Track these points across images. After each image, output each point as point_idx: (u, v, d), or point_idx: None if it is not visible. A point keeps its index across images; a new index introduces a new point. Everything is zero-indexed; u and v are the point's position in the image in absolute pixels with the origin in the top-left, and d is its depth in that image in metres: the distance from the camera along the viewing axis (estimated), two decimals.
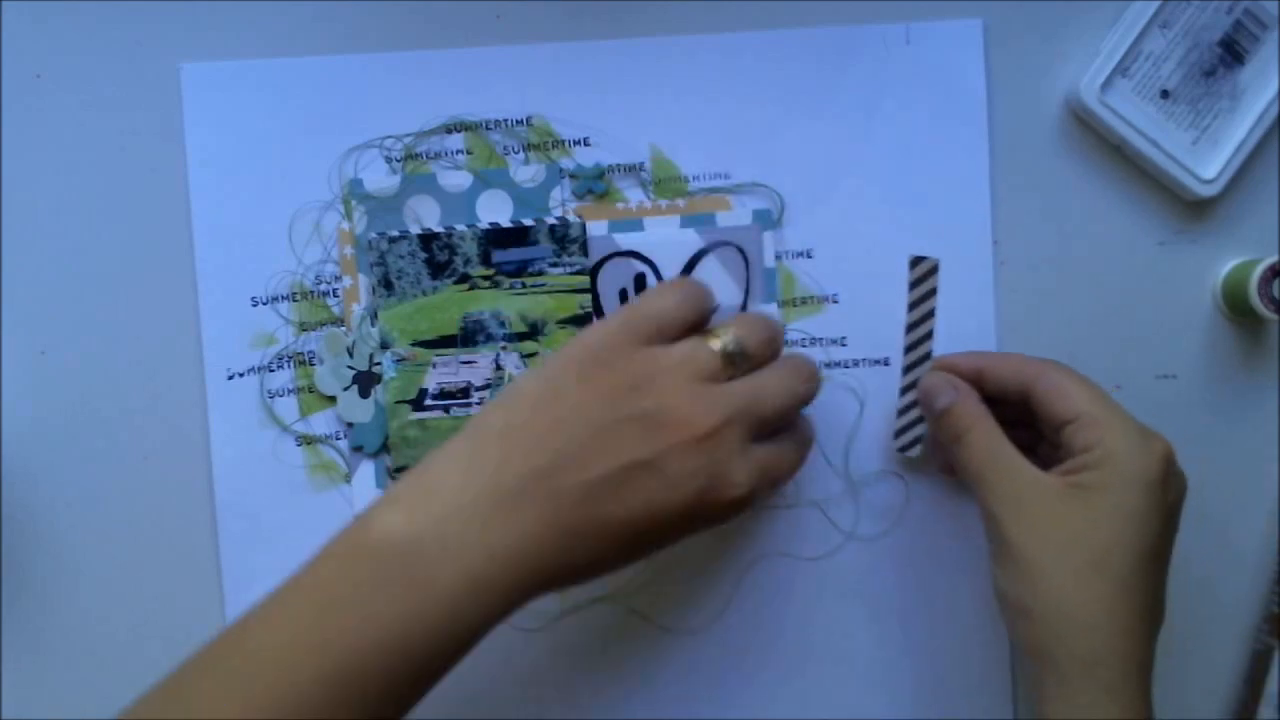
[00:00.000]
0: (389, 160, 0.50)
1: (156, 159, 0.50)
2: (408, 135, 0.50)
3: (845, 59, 0.50)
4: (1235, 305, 0.50)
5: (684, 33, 0.50)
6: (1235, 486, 0.52)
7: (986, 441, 0.44)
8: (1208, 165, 0.50)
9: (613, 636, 0.51)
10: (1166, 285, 0.51)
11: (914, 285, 0.48)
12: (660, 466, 0.39)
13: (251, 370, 0.50)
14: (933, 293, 0.48)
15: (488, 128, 0.50)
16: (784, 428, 0.44)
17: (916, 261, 0.48)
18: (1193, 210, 0.51)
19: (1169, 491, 0.43)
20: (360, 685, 0.36)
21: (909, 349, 0.48)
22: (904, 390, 0.49)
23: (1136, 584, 0.42)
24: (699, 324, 0.43)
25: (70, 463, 0.50)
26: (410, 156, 0.50)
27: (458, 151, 0.50)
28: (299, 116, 0.50)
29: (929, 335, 0.48)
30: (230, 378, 0.50)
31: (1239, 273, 0.50)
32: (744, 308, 0.50)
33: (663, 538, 0.41)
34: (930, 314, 0.48)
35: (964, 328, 0.50)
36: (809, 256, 0.51)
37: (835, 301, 0.51)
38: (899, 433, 0.49)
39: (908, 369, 0.49)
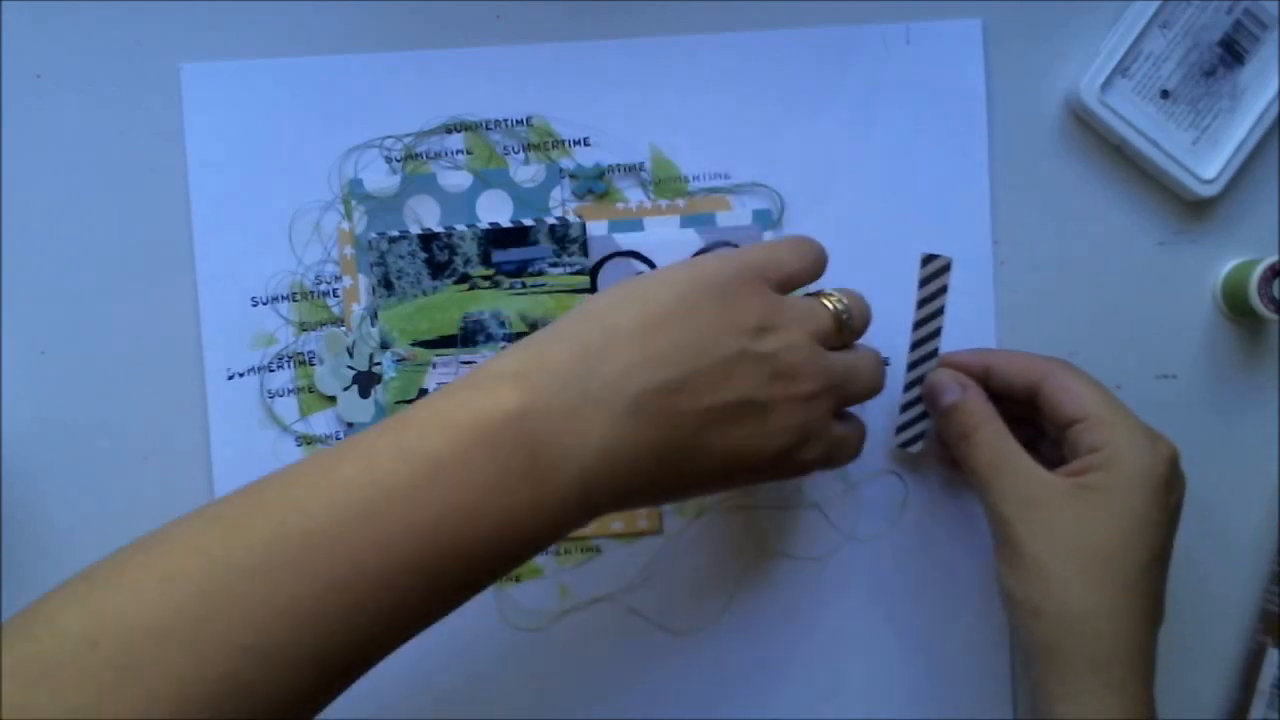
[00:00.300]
0: (389, 160, 0.50)
1: (156, 159, 0.50)
2: (408, 135, 0.50)
3: (845, 59, 0.50)
4: (1235, 305, 0.50)
5: (684, 33, 0.50)
6: (1235, 486, 0.52)
7: (994, 441, 0.45)
8: (1208, 165, 0.50)
9: (613, 636, 0.51)
10: (1166, 285, 0.51)
11: (924, 283, 0.48)
12: (769, 411, 0.39)
13: (251, 370, 0.50)
14: (943, 290, 0.48)
15: (488, 128, 0.50)
16: (848, 414, 0.44)
17: (929, 259, 0.48)
18: (1193, 210, 0.51)
19: (1173, 493, 0.43)
20: (458, 573, 0.34)
21: (915, 345, 0.48)
22: (908, 386, 0.49)
23: (1142, 585, 0.42)
24: (810, 282, 0.43)
25: (70, 463, 0.50)
26: (410, 156, 0.50)
27: (458, 151, 0.50)
28: (299, 116, 0.50)
29: (937, 333, 0.48)
30: (230, 378, 0.50)
31: (1239, 273, 0.50)
32: None
33: (732, 481, 0.41)
34: (939, 311, 0.48)
35: (964, 327, 0.50)
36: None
37: None
38: (900, 428, 0.49)
39: (913, 365, 0.48)
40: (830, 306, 0.42)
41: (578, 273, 0.50)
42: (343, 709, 0.50)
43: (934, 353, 0.48)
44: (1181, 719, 0.52)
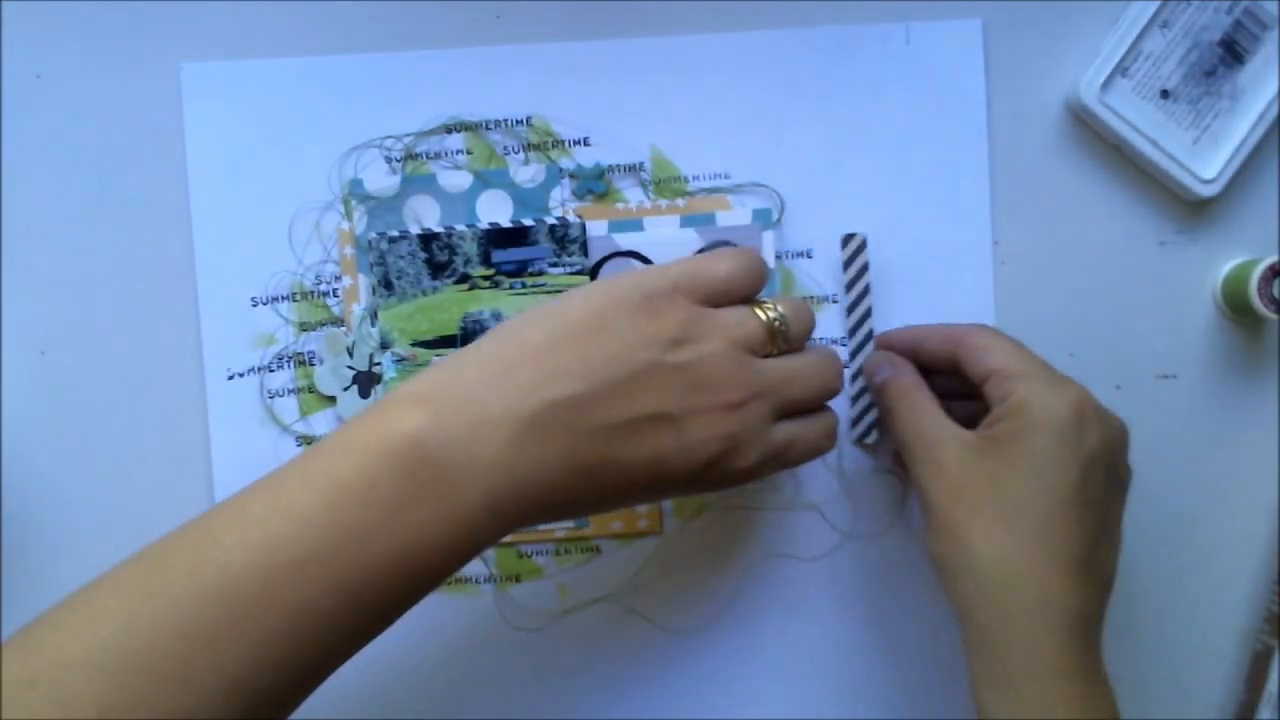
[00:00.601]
0: (389, 160, 0.50)
1: (156, 159, 0.50)
2: (408, 135, 0.50)
3: (845, 59, 0.50)
4: (1235, 305, 0.50)
5: (684, 33, 0.50)
6: (1235, 487, 0.52)
7: (915, 410, 0.45)
8: (1208, 165, 0.50)
9: (613, 636, 0.51)
10: (1166, 285, 0.51)
11: (848, 264, 0.48)
12: (682, 424, 0.39)
13: (251, 370, 0.50)
14: (865, 269, 0.49)
15: (488, 128, 0.50)
16: (807, 413, 0.43)
17: (848, 239, 0.48)
18: (1193, 210, 0.51)
19: (1086, 437, 0.42)
20: (369, 596, 0.35)
21: (852, 331, 0.49)
22: (854, 376, 0.49)
23: (1054, 533, 0.41)
24: (750, 296, 0.43)
25: (70, 463, 0.50)
26: (410, 156, 0.50)
27: (458, 151, 0.50)
28: (299, 116, 0.50)
29: (869, 314, 0.48)
30: (230, 378, 0.50)
31: (1239, 273, 0.50)
32: None
33: (662, 492, 0.41)
34: (866, 291, 0.48)
35: None
36: (809, 256, 0.50)
37: (835, 301, 0.51)
38: (855, 421, 0.49)
39: (854, 353, 0.49)
40: (763, 316, 0.41)
41: (578, 273, 0.50)
42: (343, 709, 0.50)
43: (870, 335, 0.48)
44: None
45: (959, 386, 0.45)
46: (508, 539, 0.50)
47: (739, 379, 0.40)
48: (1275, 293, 0.49)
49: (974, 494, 0.42)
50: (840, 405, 0.49)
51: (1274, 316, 0.49)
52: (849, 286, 0.48)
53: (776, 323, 0.42)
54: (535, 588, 0.51)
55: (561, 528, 0.50)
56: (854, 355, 0.49)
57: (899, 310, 0.50)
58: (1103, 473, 0.42)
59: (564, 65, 0.50)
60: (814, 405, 0.43)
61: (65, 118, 0.49)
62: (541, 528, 0.50)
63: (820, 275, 0.50)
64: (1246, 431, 0.52)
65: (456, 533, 0.36)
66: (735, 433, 0.39)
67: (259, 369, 0.50)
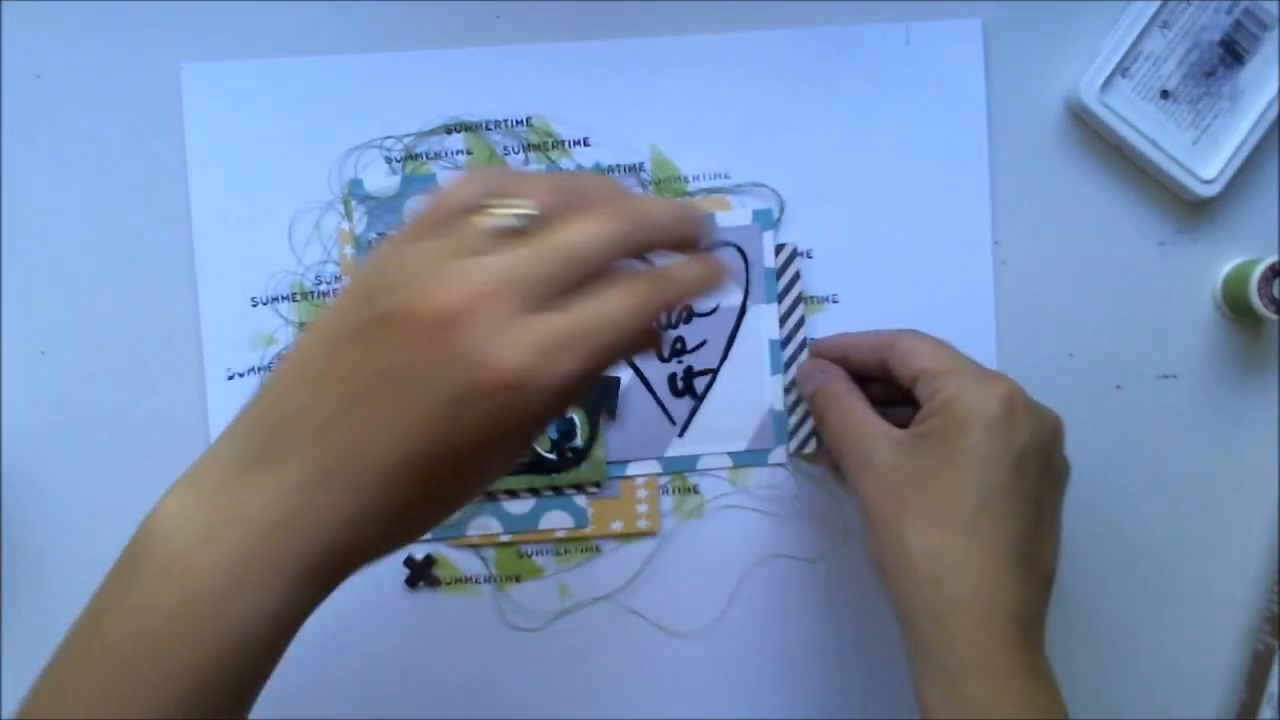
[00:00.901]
0: (389, 160, 0.50)
1: (156, 159, 0.50)
2: (408, 135, 0.50)
3: (845, 59, 0.50)
4: (1235, 305, 0.50)
5: (684, 33, 0.50)
6: (1236, 487, 0.51)
7: (844, 413, 0.44)
8: (1208, 165, 0.50)
9: (612, 636, 0.51)
10: (1166, 285, 0.51)
11: (780, 273, 0.48)
12: (405, 369, 0.31)
13: (251, 370, 0.50)
14: (797, 278, 0.49)
15: (488, 128, 0.50)
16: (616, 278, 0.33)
17: (779, 249, 0.48)
18: (1193, 210, 0.51)
19: (1016, 431, 0.41)
20: (146, 692, 0.32)
21: (785, 342, 0.49)
22: (788, 388, 0.49)
23: (988, 527, 0.40)
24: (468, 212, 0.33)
25: (70, 463, 0.50)
26: (410, 156, 0.50)
27: (458, 151, 0.50)
28: (299, 116, 0.50)
29: (801, 323, 0.49)
30: (230, 378, 0.50)
31: (1239, 273, 0.50)
32: (743, 308, 0.50)
33: (454, 468, 0.32)
34: (798, 301, 0.49)
35: (964, 328, 0.49)
36: (809, 256, 0.50)
37: (835, 301, 0.51)
38: (791, 433, 0.49)
39: (788, 364, 0.49)
40: (480, 220, 0.33)
41: None
42: (344, 709, 0.50)
43: (803, 344, 0.49)
44: None
45: (893, 393, 0.45)
46: (507, 539, 0.50)
47: (446, 287, 0.31)
48: (1275, 293, 0.49)
49: (906, 492, 0.41)
50: (770, 415, 0.49)
51: (1274, 316, 0.49)
52: (781, 296, 0.49)
53: (502, 221, 0.32)
54: (535, 588, 0.51)
55: (561, 527, 0.50)
56: (788, 366, 0.49)
57: (898, 311, 0.50)
58: (1036, 466, 0.41)
59: (564, 65, 0.50)
60: (613, 258, 0.33)
61: (65, 118, 0.49)
62: (542, 528, 0.50)
63: (820, 275, 0.50)
64: (1246, 431, 0.52)
65: (203, 614, 0.32)
66: (465, 343, 0.30)
67: (259, 369, 0.50)
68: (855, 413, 0.44)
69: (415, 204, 0.36)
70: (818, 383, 0.46)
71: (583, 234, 0.32)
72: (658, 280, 0.34)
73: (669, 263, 0.35)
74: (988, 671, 0.39)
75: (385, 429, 0.31)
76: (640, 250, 0.34)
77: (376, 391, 0.31)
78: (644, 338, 0.36)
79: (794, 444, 0.50)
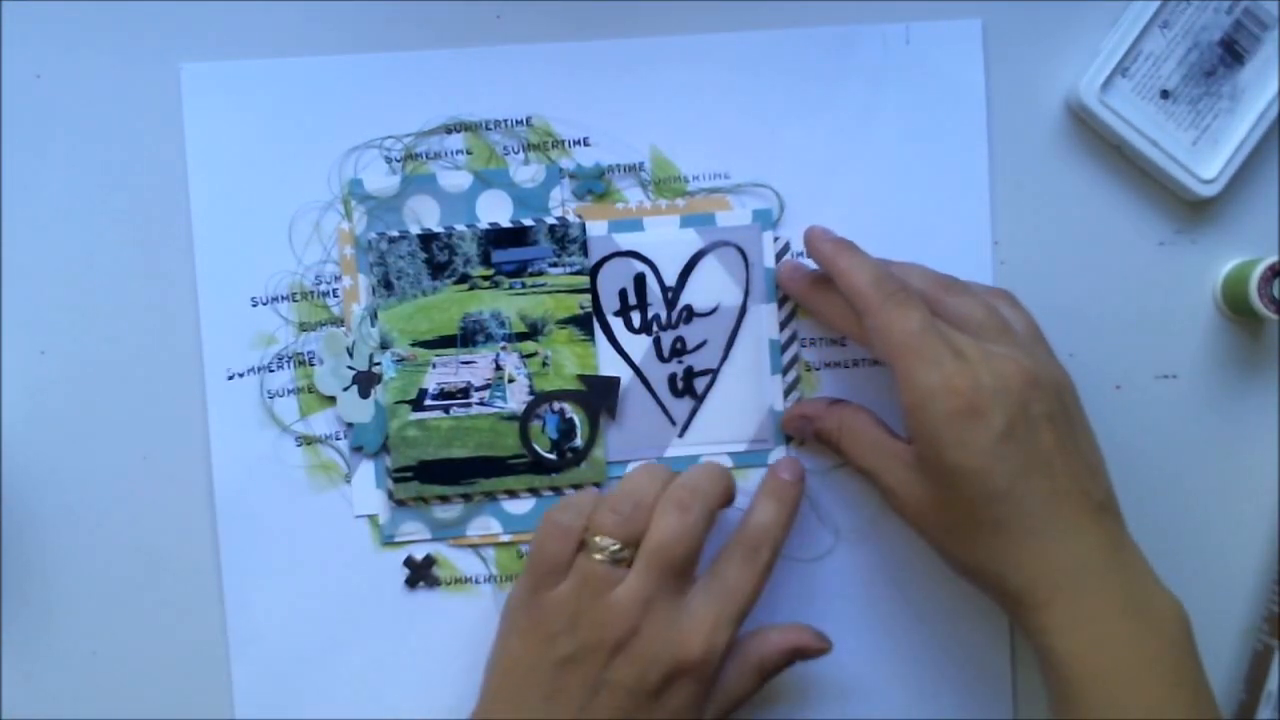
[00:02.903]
0: (389, 160, 0.50)
1: (156, 159, 0.50)
2: (408, 135, 0.50)
3: (845, 59, 0.50)
4: (1235, 305, 0.50)
5: (684, 33, 0.50)
6: (1235, 487, 0.52)
7: (854, 439, 0.47)
8: (1208, 165, 0.50)
9: None
10: (1166, 285, 0.51)
11: (781, 302, 0.50)
12: (615, 681, 0.43)
13: (251, 370, 0.50)
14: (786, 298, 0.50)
15: (488, 128, 0.50)
16: (729, 548, 0.46)
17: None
18: (1193, 210, 0.51)
19: (983, 423, 0.41)
20: None
21: (785, 344, 0.50)
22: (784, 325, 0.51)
23: (1012, 521, 0.42)
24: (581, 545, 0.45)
25: (70, 463, 0.50)
26: (410, 156, 0.50)
27: (458, 151, 0.50)
28: (299, 116, 0.50)
29: (792, 316, 0.50)
30: (230, 378, 0.50)
31: (1239, 273, 0.50)
32: (743, 308, 0.50)
33: None
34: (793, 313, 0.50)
35: None
36: (809, 256, 0.50)
37: None
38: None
39: (787, 366, 0.50)
40: (598, 557, 0.44)
41: (577, 273, 0.50)
42: (342, 709, 0.50)
43: (794, 337, 0.50)
44: None
45: None
46: (507, 539, 0.50)
47: (612, 619, 0.43)
48: (1275, 293, 0.49)
49: (930, 514, 0.44)
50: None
51: (1274, 316, 0.49)
52: (783, 326, 0.51)
53: (609, 549, 0.44)
54: None
55: None
56: (788, 368, 0.51)
57: None
58: (1021, 436, 0.41)
59: (564, 65, 0.50)
60: (703, 537, 0.45)
61: (65, 118, 0.49)
62: None
63: None
64: (1246, 431, 0.52)
65: None
66: (652, 644, 0.43)
67: (259, 369, 0.50)
68: (865, 438, 0.46)
69: (528, 551, 0.48)
70: (823, 424, 0.48)
71: (673, 533, 0.44)
72: (754, 542, 0.46)
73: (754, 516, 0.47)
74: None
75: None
76: (711, 520, 0.45)
77: (598, 703, 0.43)
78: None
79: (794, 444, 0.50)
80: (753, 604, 0.45)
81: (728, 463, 0.50)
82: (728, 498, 0.46)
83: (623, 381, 0.50)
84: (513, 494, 0.50)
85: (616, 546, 0.44)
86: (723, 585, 0.45)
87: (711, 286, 0.50)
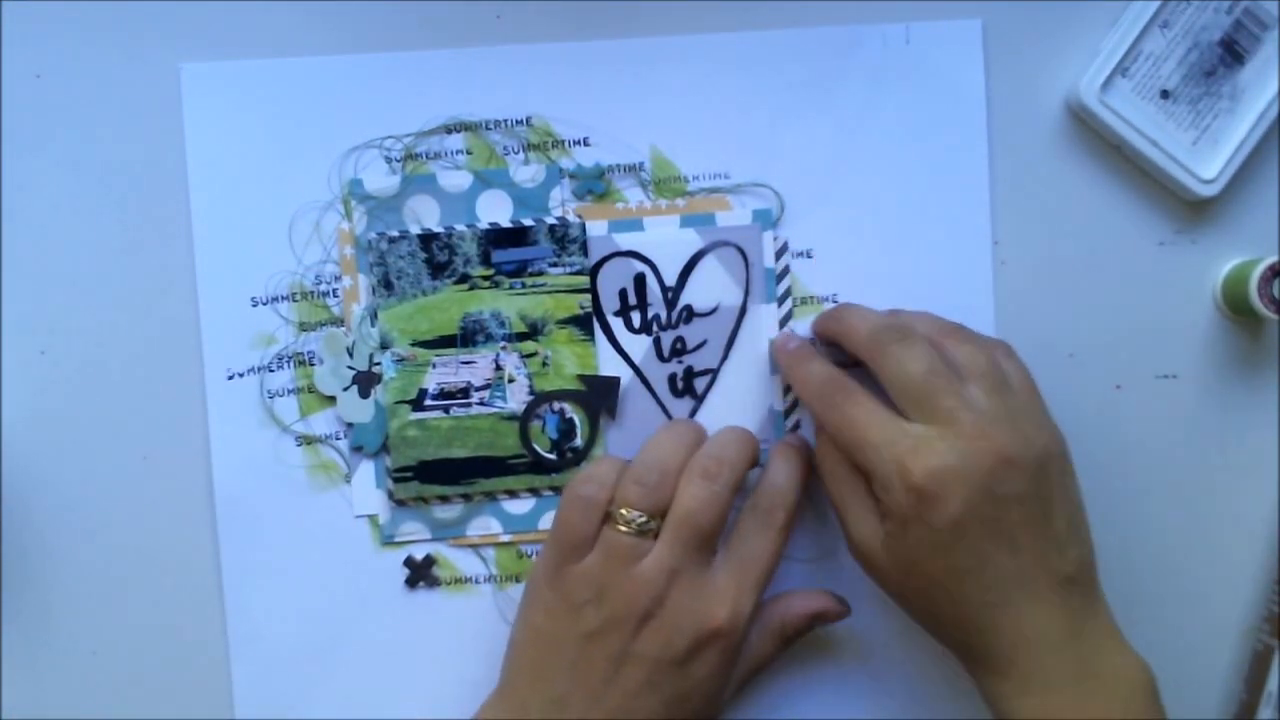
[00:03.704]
0: (389, 160, 0.50)
1: (156, 159, 0.50)
2: (408, 135, 0.50)
3: (845, 59, 0.50)
4: (1235, 305, 0.50)
5: (684, 33, 0.50)
6: (1235, 487, 0.52)
7: (834, 490, 0.47)
8: (1208, 165, 0.50)
9: None
10: (1166, 285, 0.51)
11: (781, 301, 0.50)
12: (642, 652, 0.43)
13: (251, 370, 0.50)
14: (786, 272, 0.50)
15: (488, 128, 0.50)
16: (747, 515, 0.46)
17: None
18: (1193, 210, 0.51)
19: (942, 509, 0.41)
20: None
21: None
22: (787, 389, 0.50)
23: (984, 592, 0.42)
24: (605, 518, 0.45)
25: (70, 463, 0.50)
26: (410, 156, 0.50)
27: (458, 151, 0.50)
28: (299, 116, 0.50)
29: (789, 316, 0.51)
30: (230, 378, 0.50)
31: (1239, 273, 0.50)
32: (743, 308, 0.50)
33: (709, 697, 0.45)
34: (787, 294, 0.50)
35: None
36: (809, 256, 0.50)
37: (835, 301, 0.51)
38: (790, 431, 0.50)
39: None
40: (622, 529, 0.44)
41: (578, 273, 0.50)
42: (342, 709, 0.50)
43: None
44: None
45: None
46: (507, 539, 0.50)
47: (638, 590, 0.43)
48: (1275, 293, 0.49)
49: (907, 584, 0.44)
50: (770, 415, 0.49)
51: (1274, 316, 0.49)
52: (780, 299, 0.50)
53: (634, 521, 0.44)
54: None
55: None
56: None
57: (900, 309, 0.50)
58: (983, 517, 0.41)
59: (564, 65, 0.50)
60: (727, 507, 0.45)
61: (65, 118, 0.50)
62: (541, 528, 0.50)
63: (820, 275, 0.50)
64: (1246, 431, 0.52)
65: None
66: (677, 614, 0.43)
67: (259, 369, 0.50)
68: (839, 475, 0.46)
69: (551, 524, 0.47)
70: (816, 442, 0.48)
71: (700, 503, 0.44)
72: (769, 505, 0.46)
73: (765, 483, 0.47)
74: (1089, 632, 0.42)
75: (649, 706, 0.44)
76: (737, 487, 0.46)
77: (623, 676, 0.44)
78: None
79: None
80: (775, 568, 0.46)
81: None
82: (753, 462, 0.47)
83: (623, 381, 0.50)
84: (513, 494, 0.50)
85: (643, 519, 0.44)
86: (745, 552, 0.45)
87: (711, 286, 0.50)
